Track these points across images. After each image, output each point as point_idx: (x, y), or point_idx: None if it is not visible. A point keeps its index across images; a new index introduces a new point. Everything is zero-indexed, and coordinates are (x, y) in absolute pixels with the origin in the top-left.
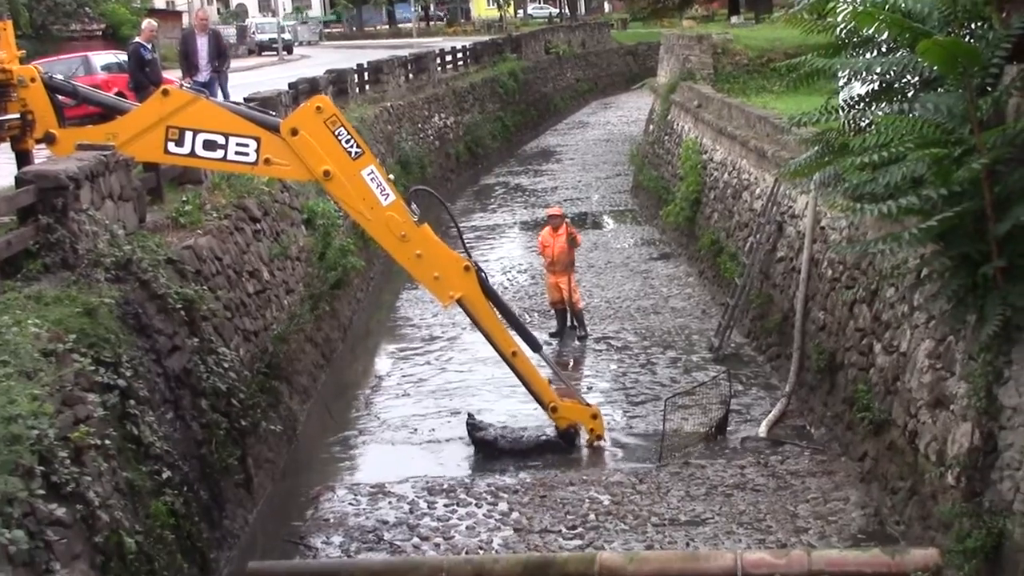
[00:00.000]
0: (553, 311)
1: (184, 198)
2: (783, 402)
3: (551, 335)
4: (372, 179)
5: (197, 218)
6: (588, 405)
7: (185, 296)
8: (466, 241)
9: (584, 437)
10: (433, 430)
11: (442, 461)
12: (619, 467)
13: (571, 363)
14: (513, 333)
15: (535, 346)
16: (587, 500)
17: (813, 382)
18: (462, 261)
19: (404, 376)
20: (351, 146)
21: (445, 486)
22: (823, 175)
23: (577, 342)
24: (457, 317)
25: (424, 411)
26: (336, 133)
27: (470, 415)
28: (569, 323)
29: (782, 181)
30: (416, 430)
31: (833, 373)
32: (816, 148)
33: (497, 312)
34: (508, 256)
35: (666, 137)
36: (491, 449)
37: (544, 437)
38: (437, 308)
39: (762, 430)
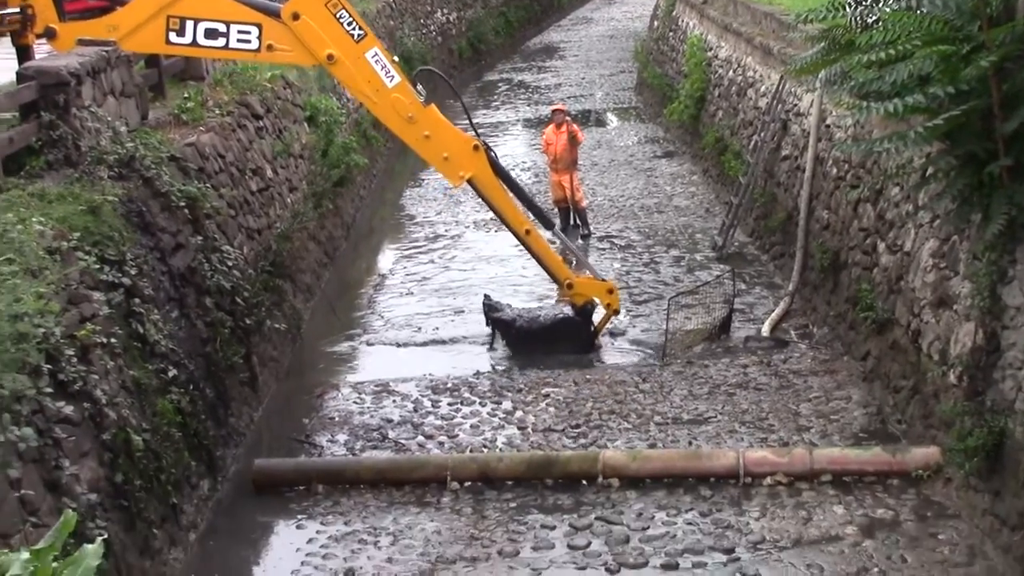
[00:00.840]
0: (556, 209)
1: (186, 94)
2: (786, 301)
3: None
4: (376, 61)
5: (199, 115)
6: (603, 280)
7: (188, 194)
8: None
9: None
10: (437, 329)
11: (446, 360)
12: (622, 366)
13: (574, 262)
14: (526, 211)
15: (548, 224)
16: (590, 399)
17: (816, 281)
18: (471, 141)
19: (408, 275)
20: (353, 28)
21: (449, 385)
22: (829, 73)
23: (580, 240)
24: (461, 214)
25: (428, 310)
26: (338, 16)
27: (486, 296)
28: (572, 221)
29: (787, 79)
30: (420, 329)
31: (836, 272)
32: (822, 45)
33: (508, 191)
34: (511, 154)
35: (671, 34)
36: (508, 329)
37: (561, 315)
38: (441, 206)
39: (765, 329)
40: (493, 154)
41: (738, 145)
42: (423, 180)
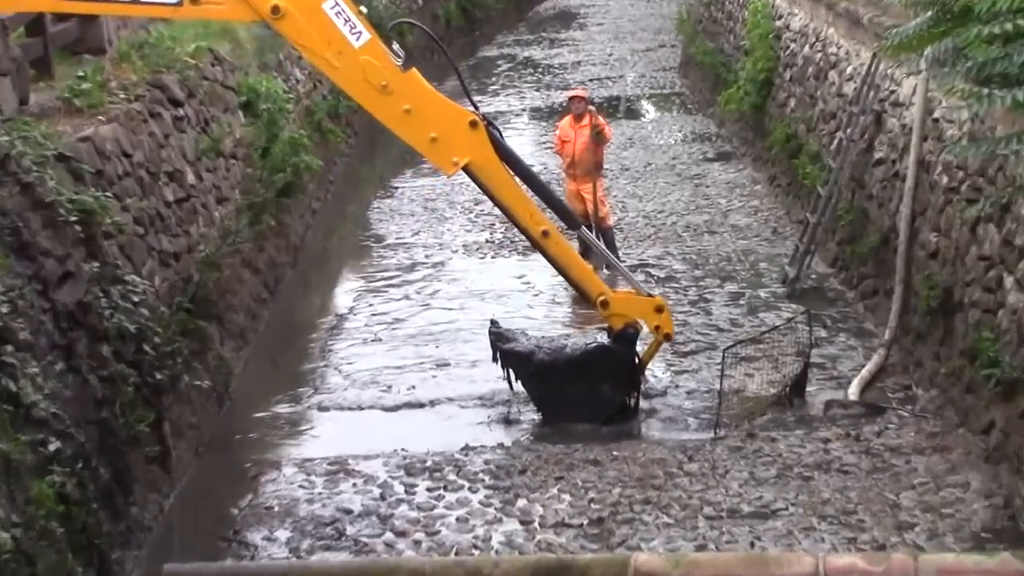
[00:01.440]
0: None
1: (81, 73)
2: (881, 354)
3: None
4: (337, 13)
5: (98, 99)
6: (649, 295)
7: (81, 205)
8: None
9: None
10: (413, 388)
11: (424, 430)
12: (661, 439)
13: (602, 267)
14: (542, 206)
15: (572, 223)
16: (618, 484)
17: (921, 327)
18: (467, 115)
19: (374, 315)
20: None
21: (428, 463)
22: (938, 50)
23: (605, 271)
24: (446, 235)
25: (401, 362)
26: None
27: (493, 322)
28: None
29: (882, 57)
30: (390, 388)
31: (948, 316)
32: (929, 14)
33: (519, 180)
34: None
35: None
36: (524, 365)
37: (594, 344)
38: (419, 223)
39: (852, 391)
40: (497, 132)
41: (816, 145)
42: (396, 189)
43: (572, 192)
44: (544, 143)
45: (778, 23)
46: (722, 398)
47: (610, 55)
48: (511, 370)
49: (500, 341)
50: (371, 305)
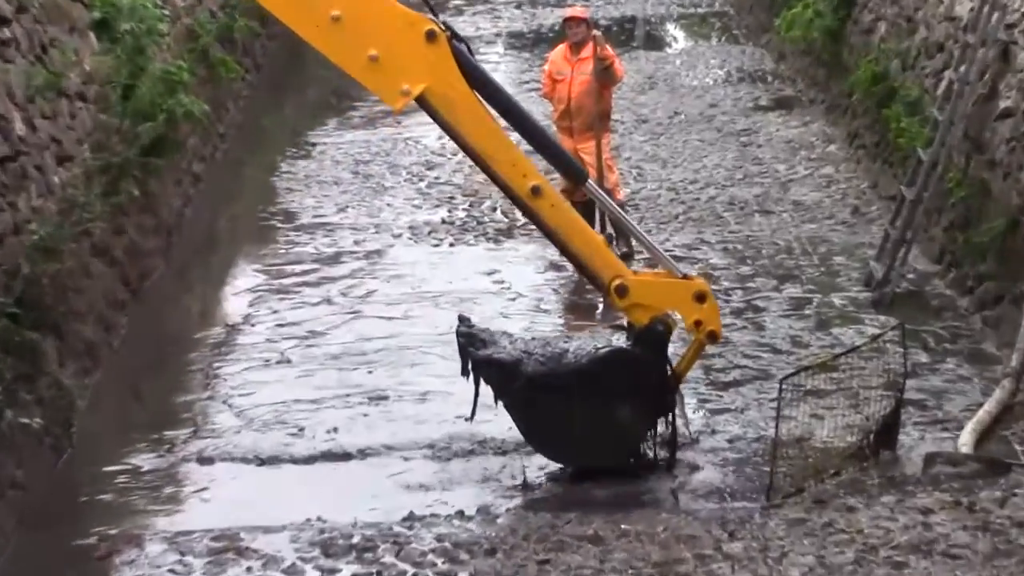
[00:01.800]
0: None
1: None
2: (1006, 387)
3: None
4: None
5: None
6: (686, 276)
7: None
8: None
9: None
10: (335, 431)
11: (351, 491)
12: (690, 507)
13: (600, 305)
14: (529, 151)
15: (575, 174)
16: (628, 571)
17: None
18: (422, 22)
19: (281, 326)
20: None
21: (356, 540)
22: None
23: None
24: (384, 212)
25: (318, 393)
26: None
27: (462, 319)
28: (598, 229)
29: None
30: (302, 430)
31: None
32: None
33: (495, 112)
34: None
35: None
36: (510, 380)
37: (607, 349)
38: (347, 194)
39: (965, 440)
40: (464, 47)
41: (916, 89)
42: (315, 146)
43: (569, 152)
44: (527, 83)
45: None
46: (778, 449)
47: None
48: (491, 387)
49: (473, 346)
50: (276, 312)
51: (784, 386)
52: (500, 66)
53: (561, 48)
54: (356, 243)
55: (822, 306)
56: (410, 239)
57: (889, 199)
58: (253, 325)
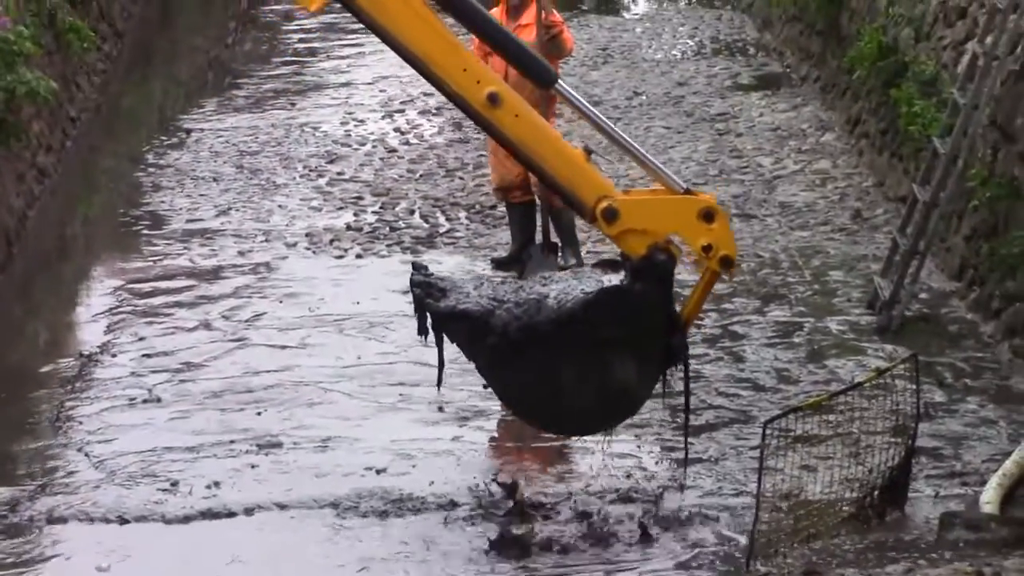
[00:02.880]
0: (505, 209)
1: None
2: None
3: (496, 264)
4: None
5: None
6: (688, 191)
7: None
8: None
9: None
10: (216, 485)
11: (238, 557)
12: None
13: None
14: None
15: (543, 76)
16: None
17: None
18: None
19: (148, 356)
20: None
21: None
22: None
23: (572, 261)
24: (277, 216)
25: (196, 439)
26: None
27: (417, 267)
28: (542, 237)
29: None
30: (175, 484)
31: None
32: None
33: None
34: (399, 74)
35: None
36: (481, 335)
37: (599, 290)
38: (231, 192)
39: (988, 499)
40: None
41: (932, 65)
42: (190, 133)
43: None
44: None
45: None
46: (760, 507)
47: None
48: (458, 345)
49: (431, 297)
50: (142, 339)
51: (768, 431)
52: None
53: (495, 12)
54: (241, 254)
55: (815, 332)
56: (307, 249)
57: (898, 201)
58: (114, 355)
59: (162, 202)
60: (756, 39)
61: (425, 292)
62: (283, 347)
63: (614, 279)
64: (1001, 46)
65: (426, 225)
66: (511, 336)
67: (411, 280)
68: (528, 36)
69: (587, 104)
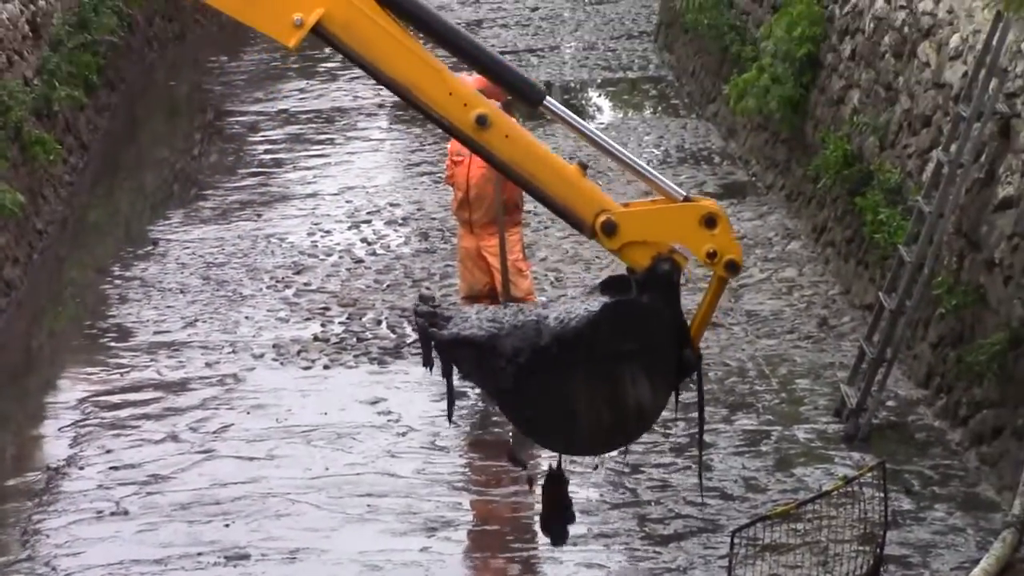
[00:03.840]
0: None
1: None
2: (1007, 540)
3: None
4: None
5: None
6: (687, 198)
7: None
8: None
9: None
10: None
11: None
12: None
13: (510, 437)
14: (465, 71)
15: (529, 95)
16: None
17: None
18: None
19: (115, 468)
20: None
21: None
22: None
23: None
24: (244, 327)
25: (162, 552)
26: None
27: (423, 298)
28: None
29: (1010, 19)
30: None
31: None
32: None
33: (416, 29)
34: (365, 185)
35: None
36: (488, 362)
37: (602, 305)
38: (196, 306)
39: None
40: None
41: (897, 173)
42: (156, 245)
43: (469, 251)
44: (418, 166)
45: None
46: None
47: (535, 10)
48: (463, 373)
49: (435, 326)
50: (109, 452)
51: (737, 540)
52: (385, 144)
53: None
54: (208, 366)
55: (783, 441)
56: (274, 360)
57: (865, 308)
58: (81, 468)
59: (129, 314)
60: (721, 148)
61: (430, 322)
62: (251, 458)
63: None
64: (965, 154)
65: (393, 335)
66: (519, 360)
67: (415, 310)
68: None
69: (578, 119)
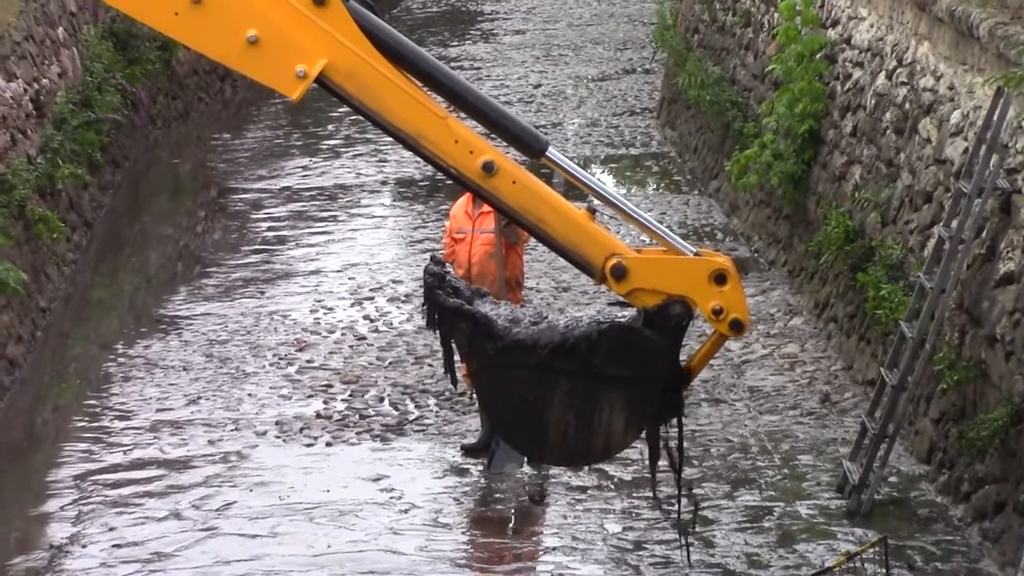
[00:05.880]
0: (475, 396)
1: None
2: None
3: (466, 450)
4: None
5: None
6: (696, 253)
7: None
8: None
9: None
10: None
11: None
12: None
13: (512, 517)
14: (468, 120)
15: (531, 145)
16: None
17: None
18: None
19: (117, 546)
20: None
21: None
22: None
23: (527, 469)
24: (247, 404)
25: None
26: None
27: (435, 260)
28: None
29: (1011, 95)
30: None
31: None
32: None
33: (412, 78)
34: (368, 261)
35: None
36: (484, 341)
37: (609, 323)
38: (199, 383)
39: None
40: (360, 4)
41: (899, 249)
42: (159, 323)
43: None
44: (420, 243)
45: (831, 32)
46: None
47: (538, 87)
48: (458, 345)
49: (443, 290)
50: (112, 529)
51: None
52: (387, 220)
53: (463, 200)
54: (211, 443)
55: (785, 517)
56: (277, 438)
57: (867, 384)
58: (84, 546)
59: (132, 392)
60: (724, 224)
61: (438, 283)
62: (253, 536)
63: (624, 317)
64: (966, 230)
65: (396, 412)
66: (513, 349)
67: (425, 269)
68: (490, 222)
69: (581, 171)
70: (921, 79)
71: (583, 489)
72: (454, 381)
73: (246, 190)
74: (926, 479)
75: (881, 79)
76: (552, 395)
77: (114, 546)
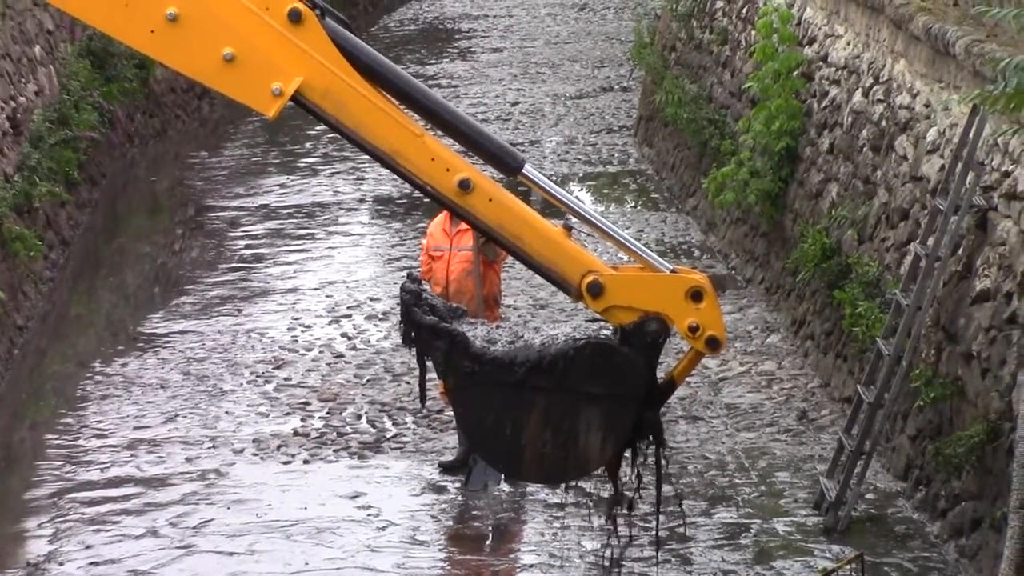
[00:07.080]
0: (452, 413)
1: None
2: None
3: (444, 467)
4: None
5: None
6: (673, 270)
7: None
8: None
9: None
10: None
11: None
12: None
13: (490, 534)
14: (444, 138)
15: (508, 163)
16: None
17: None
18: (281, 2)
19: (95, 564)
20: None
21: None
22: None
23: (504, 486)
24: (224, 422)
25: None
26: None
27: (412, 277)
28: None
29: (986, 113)
30: None
31: None
32: None
33: (389, 96)
34: (346, 279)
35: (719, 2)
36: (460, 358)
37: (585, 339)
38: (177, 401)
39: None
40: (340, 24)
41: (876, 266)
42: (136, 341)
43: None
44: (398, 260)
45: (808, 50)
46: None
47: (515, 105)
48: (434, 363)
49: (419, 307)
50: (89, 547)
51: None
52: (365, 238)
53: (440, 218)
54: (188, 461)
55: (762, 534)
56: (255, 455)
57: (844, 401)
58: (61, 564)
59: (108, 410)
60: (701, 241)
61: (414, 300)
62: (231, 553)
63: (601, 336)
64: (943, 247)
65: (373, 430)
66: (488, 365)
67: (402, 286)
68: (468, 240)
69: (558, 189)
70: (897, 96)
71: (561, 506)
72: (423, 399)
73: (223, 208)
74: (903, 496)
75: (858, 97)
76: (529, 413)
77: (91, 564)
